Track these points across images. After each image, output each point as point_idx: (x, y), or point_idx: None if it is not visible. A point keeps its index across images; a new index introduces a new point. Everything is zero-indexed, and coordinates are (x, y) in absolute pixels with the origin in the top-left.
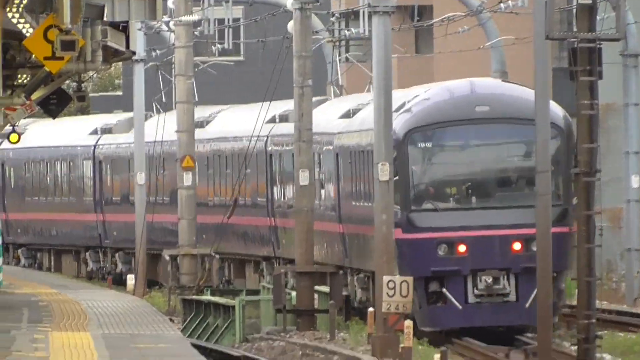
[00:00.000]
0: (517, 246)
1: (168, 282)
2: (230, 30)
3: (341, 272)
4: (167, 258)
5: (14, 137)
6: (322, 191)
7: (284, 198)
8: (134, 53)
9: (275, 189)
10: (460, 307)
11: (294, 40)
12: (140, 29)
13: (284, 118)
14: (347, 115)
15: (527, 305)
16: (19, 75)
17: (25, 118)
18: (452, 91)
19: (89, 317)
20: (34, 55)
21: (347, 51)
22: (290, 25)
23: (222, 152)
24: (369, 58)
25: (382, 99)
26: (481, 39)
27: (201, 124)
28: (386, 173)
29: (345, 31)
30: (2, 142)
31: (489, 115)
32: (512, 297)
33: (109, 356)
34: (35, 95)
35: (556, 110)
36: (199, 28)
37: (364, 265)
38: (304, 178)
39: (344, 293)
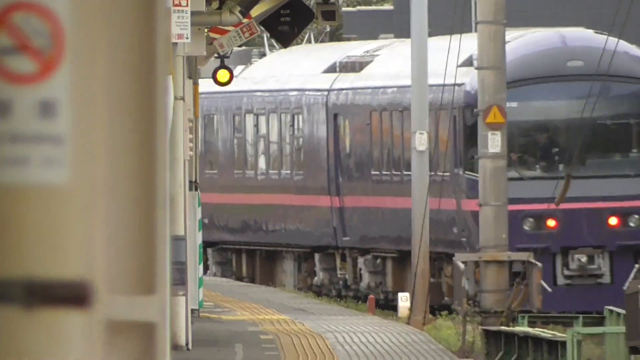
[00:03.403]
0: (613, 221)
1: (462, 304)
2: None
3: None
4: (461, 267)
5: (222, 74)
6: None
7: None
8: None
9: None
10: (550, 290)
11: None
12: None
13: None
14: None
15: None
16: None
17: (240, 46)
18: (538, 43)
19: None
20: None
21: None
22: None
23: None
24: None
25: None
26: None
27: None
28: None
29: None
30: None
31: (581, 72)
32: (607, 279)
33: None
34: (256, 11)
35: None
36: None
37: None
38: None
39: None
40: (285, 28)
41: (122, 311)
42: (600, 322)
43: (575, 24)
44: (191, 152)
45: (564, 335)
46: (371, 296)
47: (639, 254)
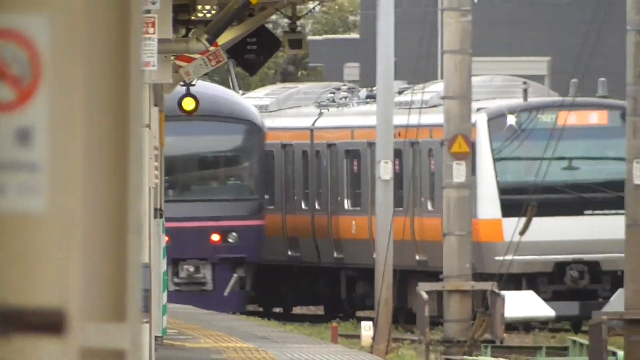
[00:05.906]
0: (215, 237)
1: (425, 334)
2: None
3: None
4: (424, 296)
5: (188, 102)
6: None
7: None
8: None
9: None
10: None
11: None
12: None
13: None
14: None
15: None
16: (199, 7)
17: (205, 74)
18: None
19: None
20: None
21: None
22: None
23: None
24: None
25: None
26: None
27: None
28: None
29: None
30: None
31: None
32: (210, 287)
33: None
34: (223, 39)
35: (251, 107)
36: None
37: None
38: (638, 174)
39: None
40: (252, 56)
41: (95, 338)
42: (565, 350)
43: (541, 54)
44: (157, 180)
45: None
46: (334, 324)
47: (237, 265)
